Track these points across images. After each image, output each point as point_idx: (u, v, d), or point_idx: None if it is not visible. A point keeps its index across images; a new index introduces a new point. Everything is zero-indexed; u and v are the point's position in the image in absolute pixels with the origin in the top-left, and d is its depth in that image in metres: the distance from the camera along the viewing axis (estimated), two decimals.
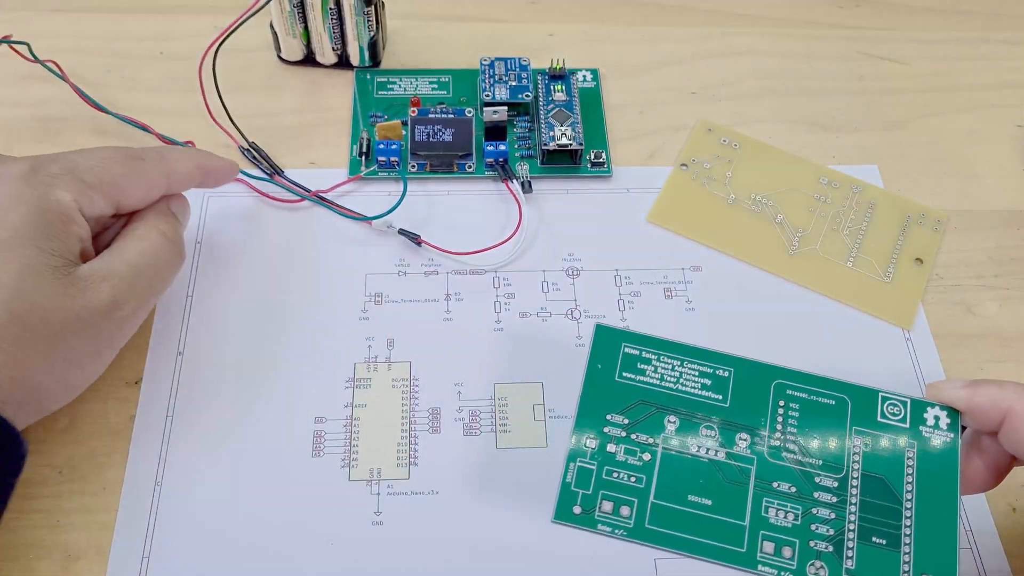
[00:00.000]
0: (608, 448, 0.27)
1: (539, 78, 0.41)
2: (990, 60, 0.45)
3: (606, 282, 0.36)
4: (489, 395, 0.33)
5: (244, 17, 0.38)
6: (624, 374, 0.28)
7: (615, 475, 0.26)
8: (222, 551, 0.29)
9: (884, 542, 0.25)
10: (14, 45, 0.38)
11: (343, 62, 0.42)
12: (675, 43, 0.45)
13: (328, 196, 0.38)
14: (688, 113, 0.42)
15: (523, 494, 0.31)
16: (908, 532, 0.26)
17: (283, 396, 0.33)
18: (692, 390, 0.28)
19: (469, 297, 0.36)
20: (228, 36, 0.38)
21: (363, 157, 0.39)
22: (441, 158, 0.38)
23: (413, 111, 0.39)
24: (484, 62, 0.40)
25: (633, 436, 0.27)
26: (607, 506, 0.26)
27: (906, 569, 0.25)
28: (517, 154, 0.39)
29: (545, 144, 0.38)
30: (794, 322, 0.36)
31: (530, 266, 0.37)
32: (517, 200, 0.38)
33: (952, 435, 0.27)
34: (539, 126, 0.39)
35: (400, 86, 0.42)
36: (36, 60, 0.38)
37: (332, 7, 0.39)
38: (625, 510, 0.26)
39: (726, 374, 0.28)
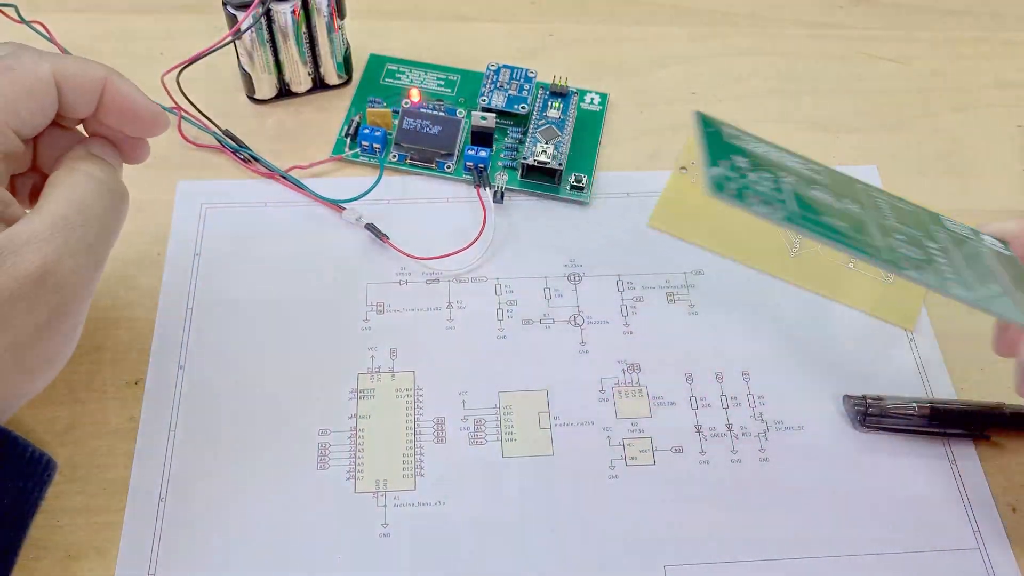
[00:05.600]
0: (739, 163, 0.26)
1: (540, 91, 0.40)
2: (990, 60, 0.45)
3: (608, 288, 0.36)
4: (494, 403, 0.33)
5: (205, 53, 0.37)
6: (731, 142, 0.27)
7: (756, 186, 0.25)
8: (228, 565, 0.29)
9: (999, 288, 0.27)
10: (2, 8, 0.37)
11: (318, 85, 0.41)
12: (675, 43, 0.45)
13: (308, 177, 0.38)
14: (688, 113, 0.42)
15: (530, 503, 0.31)
16: (1010, 287, 0.28)
17: (287, 408, 0.32)
18: (795, 165, 0.28)
19: (471, 305, 0.35)
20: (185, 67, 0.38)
21: (348, 139, 0.39)
22: (423, 153, 0.38)
23: (407, 102, 0.39)
24: (491, 67, 0.40)
25: (762, 171, 0.26)
26: (755, 198, 0.25)
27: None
28: (500, 164, 0.39)
29: (525, 158, 0.38)
30: (797, 324, 0.36)
31: (531, 273, 0.36)
32: (484, 207, 0.37)
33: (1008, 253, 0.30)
34: (525, 139, 0.39)
35: (408, 77, 0.41)
36: (23, 21, 0.37)
37: (304, 31, 0.38)
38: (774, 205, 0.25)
39: (820, 174, 0.28)
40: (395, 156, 0.39)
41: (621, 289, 0.36)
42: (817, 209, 0.26)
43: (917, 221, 0.29)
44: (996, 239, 0.30)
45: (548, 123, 0.39)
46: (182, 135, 0.39)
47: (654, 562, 0.30)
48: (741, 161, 0.26)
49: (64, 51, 0.38)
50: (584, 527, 0.31)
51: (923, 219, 0.29)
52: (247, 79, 0.40)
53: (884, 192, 0.30)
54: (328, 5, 0.37)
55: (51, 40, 0.38)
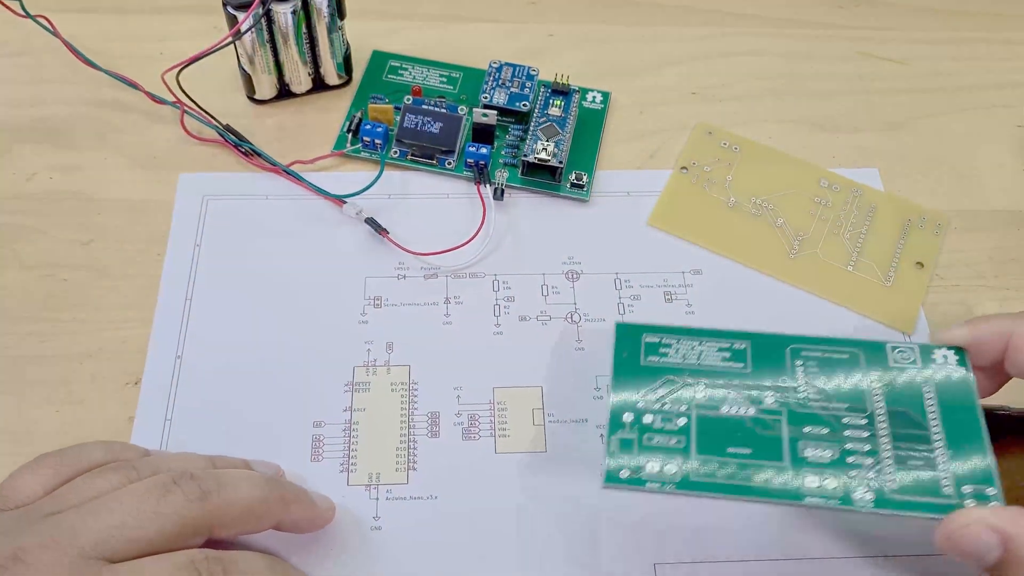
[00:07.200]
0: (645, 419, 0.28)
1: (541, 89, 0.40)
2: (990, 60, 0.45)
3: (606, 286, 0.36)
4: (488, 399, 0.33)
5: (205, 53, 0.37)
6: (648, 359, 0.29)
7: (655, 440, 0.27)
8: None
9: (921, 463, 0.27)
10: (5, 2, 0.37)
11: (318, 86, 0.41)
12: (675, 43, 0.45)
13: (309, 171, 0.38)
14: (688, 113, 0.42)
15: (522, 499, 0.31)
16: (942, 452, 0.27)
17: (282, 400, 0.33)
18: (714, 363, 0.29)
19: (469, 300, 0.35)
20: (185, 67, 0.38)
21: (350, 135, 0.39)
22: (424, 149, 0.38)
23: (408, 99, 0.39)
24: (493, 65, 0.40)
25: (666, 407, 0.28)
26: (653, 467, 0.27)
27: (947, 483, 0.26)
28: (502, 161, 0.39)
29: (525, 156, 0.38)
30: (795, 326, 0.35)
31: (530, 269, 0.37)
32: (484, 204, 0.37)
33: (963, 367, 0.29)
34: (526, 137, 0.39)
35: (411, 73, 0.42)
36: (27, 15, 0.37)
37: (304, 31, 0.38)
38: (671, 467, 0.27)
39: (743, 346, 0.30)
40: (396, 152, 0.39)
41: (619, 287, 0.36)
42: (720, 443, 0.27)
43: (846, 384, 0.28)
44: (950, 350, 0.29)
45: (549, 121, 0.39)
46: (184, 129, 0.39)
47: (645, 560, 0.30)
48: (649, 396, 0.28)
49: (68, 45, 0.38)
50: (576, 524, 0.31)
51: (856, 380, 0.28)
52: (247, 80, 0.40)
53: (819, 344, 0.29)
54: (328, 5, 0.38)
55: (55, 34, 0.38)
